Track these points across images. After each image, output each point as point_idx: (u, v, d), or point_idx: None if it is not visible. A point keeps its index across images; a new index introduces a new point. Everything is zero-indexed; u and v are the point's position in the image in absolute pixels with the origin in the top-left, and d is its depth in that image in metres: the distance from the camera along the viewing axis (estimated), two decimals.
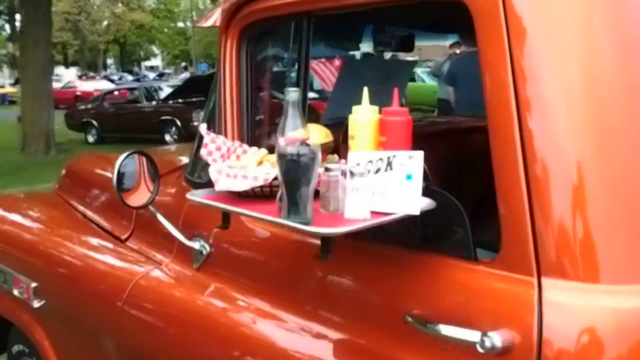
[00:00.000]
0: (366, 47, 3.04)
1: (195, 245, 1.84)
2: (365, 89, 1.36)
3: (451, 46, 7.52)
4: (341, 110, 2.83)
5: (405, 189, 1.22)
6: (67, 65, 44.91)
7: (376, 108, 1.35)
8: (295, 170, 1.15)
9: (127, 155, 1.78)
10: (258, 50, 1.82)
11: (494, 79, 1.19)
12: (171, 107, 13.91)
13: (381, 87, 2.80)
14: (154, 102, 14.74)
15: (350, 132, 1.35)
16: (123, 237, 2.30)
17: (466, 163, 2.78)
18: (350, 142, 1.35)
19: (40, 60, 12.45)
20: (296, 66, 1.75)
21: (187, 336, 1.80)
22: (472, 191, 2.80)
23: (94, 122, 14.78)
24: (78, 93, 25.15)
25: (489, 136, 1.22)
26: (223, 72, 1.84)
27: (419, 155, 1.22)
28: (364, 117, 1.34)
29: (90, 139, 14.84)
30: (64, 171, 3.12)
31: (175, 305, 1.88)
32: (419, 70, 15.45)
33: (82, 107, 16.30)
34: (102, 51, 47.76)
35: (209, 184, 1.45)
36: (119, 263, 2.18)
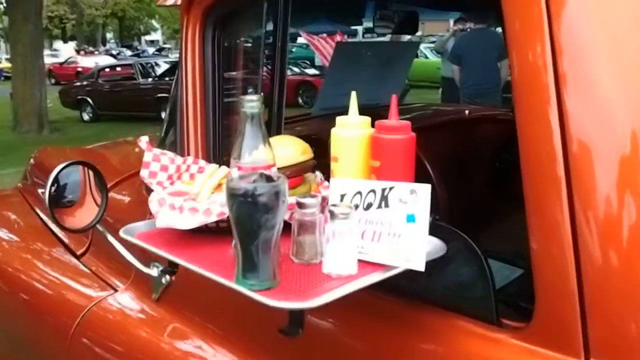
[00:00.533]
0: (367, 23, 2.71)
1: (154, 272, 1.52)
2: (354, 94, 1.03)
3: (456, 22, 7.12)
4: (336, 100, 2.50)
5: (406, 235, 0.89)
6: (65, 39, 44.23)
7: (368, 120, 1.01)
8: (250, 216, 0.82)
9: (65, 166, 1.44)
10: (226, 35, 1.48)
11: (526, 55, 0.86)
12: (168, 84, 13.45)
13: (381, 73, 2.47)
14: (150, 79, 14.32)
15: (333, 152, 1.02)
16: (79, 252, 1.97)
17: (473, 157, 2.47)
18: (333, 166, 1.02)
19: (30, 35, 11.99)
20: (272, 54, 1.40)
21: None
22: (478, 190, 2.50)
23: (89, 100, 14.36)
24: (79, 69, 24.67)
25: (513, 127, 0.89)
26: (185, 63, 1.50)
27: (425, 189, 0.88)
28: (350, 132, 1.00)
29: (86, 117, 14.43)
30: (30, 163, 2.79)
31: (128, 343, 1.56)
32: (421, 46, 14.98)
33: (77, 83, 15.86)
34: (101, 25, 47.01)
35: None
36: (71, 284, 1.86)
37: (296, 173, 1.08)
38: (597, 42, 0.82)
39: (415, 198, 0.88)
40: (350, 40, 8.05)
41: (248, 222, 0.82)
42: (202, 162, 1.21)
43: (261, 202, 0.81)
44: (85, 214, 1.57)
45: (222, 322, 1.36)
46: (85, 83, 15.20)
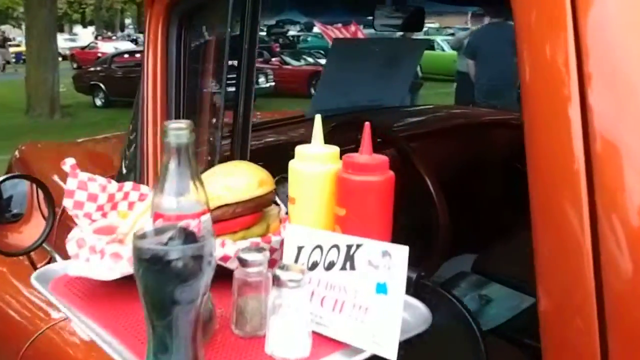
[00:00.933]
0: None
1: None
2: (318, 118, 0.81)
3: (473, 17, 6.85)
4: (333, 100, 2.28)
5: (375, 309, 0.68)
6: (84, 24, 44.21)
7: (335, 152, 0.79)
8: (160, 288, 0.61)
9: (5, 180, 1.24)
10: (192, 32, 1.27)
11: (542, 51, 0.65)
12: None
13: (384, 72, 2.25)
14: None
15: (291, 190, 0.80)
16: (40, 264, 1.78)
17: (481, 167, 2.26)
18: (290, 209, 0.80)
19: (45, 20, 11.90)
20: (239, 52, 1.19)
21: None
22: (486, 204, 2.28)
23: (102, 85, 14.25)
24: (99, 54, 24.58)
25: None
26: (147, 62, 1.29)
27: (401, 252, 0.67)
28: (312, 167, 0.78)
29: (98, 102, 14.32)
30: (14, 156, 2.59)
31: None
32: (438, 39, 14.63)
33: (91, 69, 15.73)
34: (119, 11, 46.89)
35: None
36: (26, 303, 1.67)
37: (250, 210, 0.87)
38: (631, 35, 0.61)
39: (389, 262, 0.67)
40: (365, 30, 7.82)
41: (157, 295, 0.61)
42: (144, 189, 1.00)
43: (174, 270, 0.60)
44: (32, 231, 1.38)
45: None
46: (98, 69, 15.07)
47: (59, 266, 0.94)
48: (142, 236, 0.63)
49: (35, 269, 1.77)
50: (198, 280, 0.62)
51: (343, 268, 0.71)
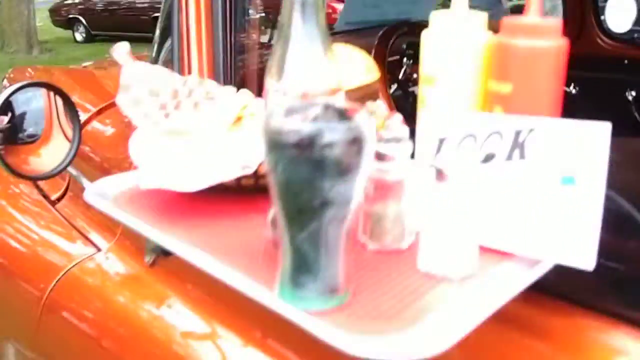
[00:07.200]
0: None
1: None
2: None
3: None
4: (365, 12, 2.08)
5: (561, 208, 0.53)
6: None
7: (483, 18, 0.62)
8: (311, 184, 0.45)
9: (19, 89, 1.05)
10: None
11: None
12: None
13: None
14: None
15: (426, 67, 0.64)
16: (53, 196, 1.60)
17: None
18: (425, 92, 0.64)
19: None
20: None
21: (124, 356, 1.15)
22: None
23: (82, 19, 13.65)
24: None
25: None
26: None
27: (603, 129, 0.51)
28: (459, 38, 0.61)
29: (79, 37, 13.76)
30: (3, 86, 2.38)
31: (113, 315, 1.22)
32: None
33: (69, 1, 15.05)
34: None
35: None
36: (44, 239, 1.50)
37: (356, 102, 0.70)
38: None
39: (579, 144, 0.51)
40: None
41: (305, 194, 0.45)
42: (209, 84, 0.82)
43: (331, 158, 0.44)
44: (52, 153, 1.20)
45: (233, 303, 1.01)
46: (77, 1, 14.41)
47: (120, 178, 0.77)
48: (273, 115, 0.46)
49: (48, 200, 1.60)
50: (356, 173, 0.46)
51: (509, 157, 0.55)
